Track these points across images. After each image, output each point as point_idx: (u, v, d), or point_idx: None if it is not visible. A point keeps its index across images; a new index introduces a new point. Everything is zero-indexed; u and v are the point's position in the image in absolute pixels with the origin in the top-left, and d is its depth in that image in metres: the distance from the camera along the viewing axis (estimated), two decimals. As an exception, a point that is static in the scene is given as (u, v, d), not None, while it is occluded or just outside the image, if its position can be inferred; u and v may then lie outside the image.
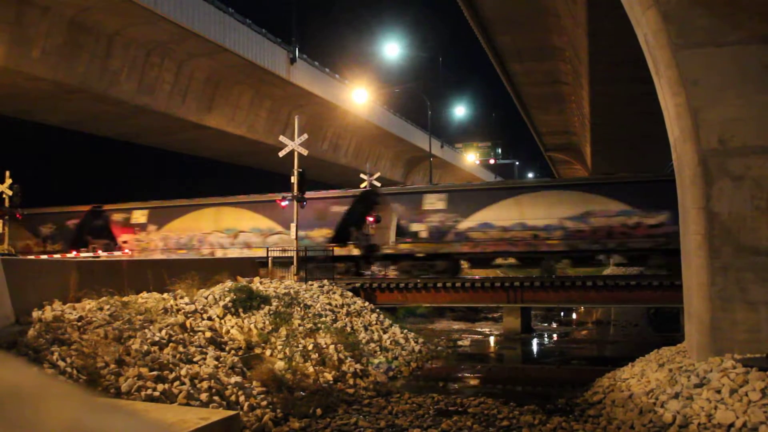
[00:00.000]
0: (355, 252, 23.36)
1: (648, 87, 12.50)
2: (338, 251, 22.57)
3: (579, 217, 21.22)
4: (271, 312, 13.66)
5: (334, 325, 14.64)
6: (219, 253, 25.17)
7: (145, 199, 29.08)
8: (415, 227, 23.11)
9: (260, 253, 22.24)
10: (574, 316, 27.33)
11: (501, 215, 22.07)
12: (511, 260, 23.55)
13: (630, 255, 22.42)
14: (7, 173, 25.25)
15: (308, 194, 20.82)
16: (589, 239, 21.12)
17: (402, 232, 23.37)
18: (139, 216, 27.93)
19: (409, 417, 10.17)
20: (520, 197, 22.27)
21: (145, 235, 27.63)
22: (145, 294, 12.57)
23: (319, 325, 14.21)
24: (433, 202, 22.13)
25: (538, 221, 21.68)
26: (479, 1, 24.60)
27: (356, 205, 24.42)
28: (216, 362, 10.48)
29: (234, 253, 24.86)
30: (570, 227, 21.30)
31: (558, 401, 11.05)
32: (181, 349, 10.47)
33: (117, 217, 28.40)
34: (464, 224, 22.29)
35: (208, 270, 15.06)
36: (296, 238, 20.22)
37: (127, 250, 27.32)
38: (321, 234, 24.19)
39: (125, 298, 11.79)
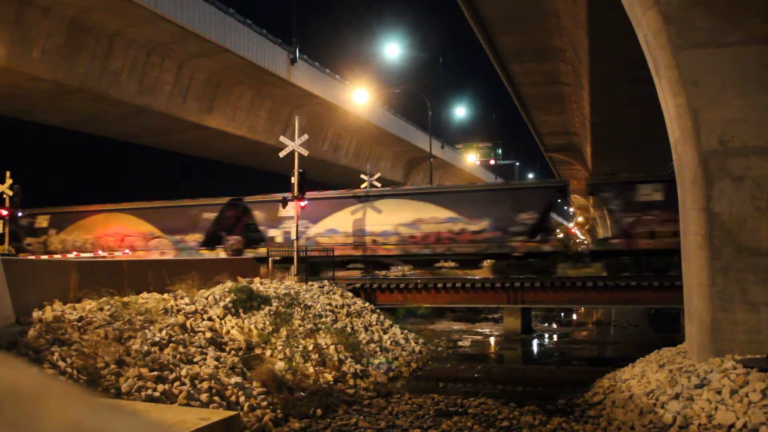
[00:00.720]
0: (223, 255, 24.88)
1: (648, 87, 12.49)
2: (208, 254, 25.08)
3: (411, 224, 22.97)
4: (271, 312, 13.66)
5: (335, 326, 14.65)
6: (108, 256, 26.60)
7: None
8: (271, 233, 25.15)
9: (141, 254, 25.47)
10: (574, 316, 27.33)
11: (345, 222, 23.92)
12: (359, 264, 24.88)
13: (457, 260, 24.08)
14: (8, 173, 25.27)
15: (186, 201, 25.09)
16: (421, 244, 22.83)
17: (262, 238, 25.37)
18: (42, 221, 30.10)
19: (409, 417, 10.17)
20: (365, 205, 23.90)
21: (45, 238, 29.84)
22: (145, 294, 12.58)
23: (319, 325, 14.21)
24: (288, 210, 23.31)
25: (376, 227, 23.43)
26: (479, 1, 24.60)
27: (225, 211, 26.53)
28: (216, 363, 10.48)
29: (120, 256, 26.55)
30: (403, 233, 23.05)
31: (558, 402, 11.05)
32: (181, 349, 10.47)
33: (23, 222, 30.05)
34: (313, 230, 24.16)
35: (208, 270, 15.06)
36: (296, 239, 20.24)
37: (127, 251, 27.38)
38: (194, 238, 26.52)
39: (125, 299, 11.79)
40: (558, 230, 22.09)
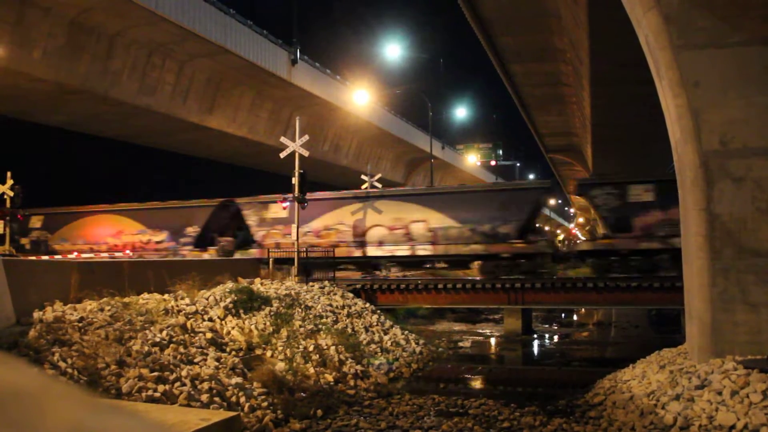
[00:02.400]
0: (207, 256, 25.43)
1: (649, 88, 12.49)
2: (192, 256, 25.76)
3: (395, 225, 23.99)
4: (271, 313, 13.66)
5: (335, 327, 14.64)
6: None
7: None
8: (260, 234, 25.97)
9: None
10: (575, 317, 27.32)
11: (334, 222, 24.75)
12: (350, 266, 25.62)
13: (448, 261, 24.79)
14: (8, 174, 25.28)
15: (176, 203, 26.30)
16: (407, 246, 23.78)
17: (252, 239, 25.97)
18: (36, 221, 30.97)
19: (409, 418, 10.17)
20: (359, 205, 24.65)
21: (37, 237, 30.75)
22: (146, 295, 12.58)
23: (320, 326, 14.21)
24: (278, 212, 24.78)
25: (364, 229, 24.35)
26: (480, 1, 24.59)
27: (217, 213, 27.12)
28: (217, 363, 10.49)
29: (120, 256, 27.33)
30: (389, 234, 24.18)
31: (559, 403, 11.05)
32: (181, 350, 10.48)
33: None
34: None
35: (208, 271, 15.06)
36: (297, 239, 20.24)
37: (127, 251, 27.42)
38: (184, 240, 27.22)
39: (126, 299, 11.80)
40: (545, 231, 21.95)
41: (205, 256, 25.22)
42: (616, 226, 20.82)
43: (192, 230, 26.91)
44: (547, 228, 21.81)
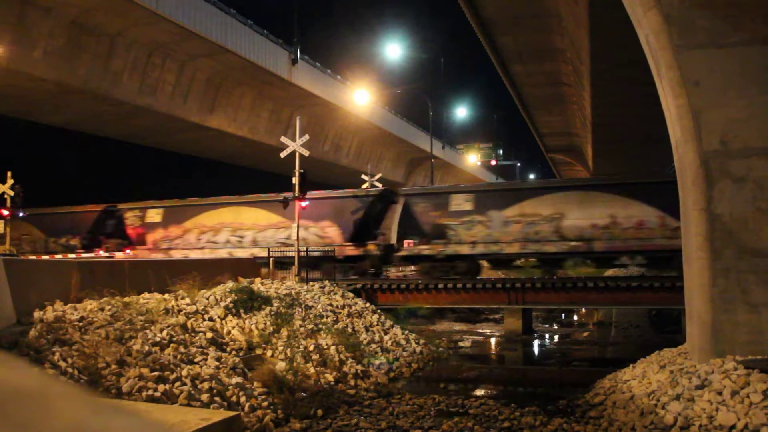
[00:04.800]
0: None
1: (650, 88, 12.49)
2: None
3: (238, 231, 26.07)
4: (272, 313, 13.67)
5: (335, 326, 14.64)
6: None
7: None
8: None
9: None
10: (575, 317, 27.31)
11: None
12: None
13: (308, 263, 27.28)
14: (9, 174, 25.30)
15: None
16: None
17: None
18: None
19: (410, 418, 10.17)
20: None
21: None
22: (146, 294, 12.58)
23: (320, 326, 14.21)
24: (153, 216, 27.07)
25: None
26: (480, 1, 24.59)
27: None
28: (217, 363, 10.49)
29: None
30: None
31: (559, 402, 11.04)
32: (182, 349, 10.48)
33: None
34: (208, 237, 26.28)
35: (209, 271, 15.07)
36: (297, 239, 20.24)
37: (128, 251, 27.43)
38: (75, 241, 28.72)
39: (126, 299, 11.80)
40: (384, 234, 23.04)
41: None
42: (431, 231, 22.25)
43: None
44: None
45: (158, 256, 25.53)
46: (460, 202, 21.82)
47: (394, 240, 22.34)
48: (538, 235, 20.96)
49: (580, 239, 19.86)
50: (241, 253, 24.27)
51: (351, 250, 22.78)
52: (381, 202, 23.54)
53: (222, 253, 24.84)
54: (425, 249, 21.38)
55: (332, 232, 23.71)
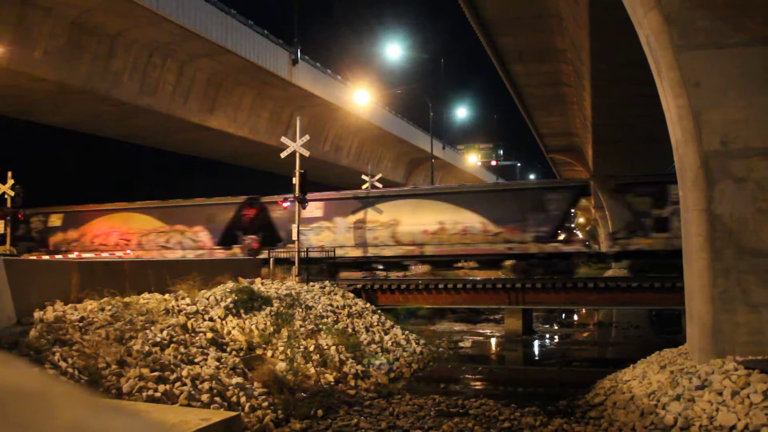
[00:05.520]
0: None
1: (650, 89, 12.48)
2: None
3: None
4: (272, 313, 13.66)
5: (336, 327, 14.65)
6: None
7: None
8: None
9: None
10: (575, 317, 27.31)
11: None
12: None
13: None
14: (9, 174, 25.31)
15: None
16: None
17: None
18: None
19: (410, 418, 10.17)
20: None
21: None
22: (146, 295, 12.58)
23: (320, 326, 14.21)
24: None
25: None
26: (480, 2, 24.58)
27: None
28: (217, 363, 10.49)
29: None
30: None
31: (559, 403, 11.04)
32: (182, 349, 10.48)
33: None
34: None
35: (209, 271, 15.06)
36: (297, 239, 20.25)
37: (128, 251, 27.46)
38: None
39: (127, 299, 11.80)
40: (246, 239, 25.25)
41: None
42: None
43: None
44: None
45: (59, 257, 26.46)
46: (312, 210, 23.13)
47: (257, 245, 24.13)
48: (377, 240, 22.69)
49: (413, 244, 21.08)
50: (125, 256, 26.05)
51: (219, 254, 24.53)
52: (246, 208, 25.37)
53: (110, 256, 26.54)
54: (282, 252, 22.41)
55: (204, 236, 25.82)
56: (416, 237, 21.94)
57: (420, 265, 24.41)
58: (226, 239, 25.15)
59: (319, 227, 23.61)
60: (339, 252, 22.56)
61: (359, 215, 23.25)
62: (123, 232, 27.52)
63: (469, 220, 21.70)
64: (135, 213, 27.90)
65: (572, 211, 21.40)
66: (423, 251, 20.03)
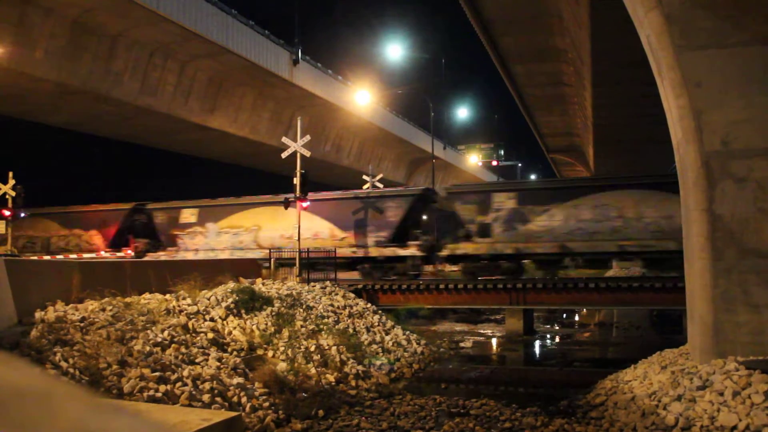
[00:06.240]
0: None
1: (651, 89, 12.49)
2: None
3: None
4: (273, 313, 13.66)
5: (337, 327, 14.64)
6: None
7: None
8: None
9: None
10: (576, 317, 27.30)
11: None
12: None
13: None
14: (10, 174, 25.32)
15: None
16: None
17: None
18: None
19: (411, 418, 10.17)
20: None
21: None
22: (147, 295, 12.58)
23: (321, 326, 14.21)
24: None
25: None
26: (481, 2, 24.60)
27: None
28: (218, 363, 10.49)
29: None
30: None
31: (560, 403, 11.04)
32: (183, 350, 10.48)
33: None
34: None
35: (210, 271, 15.06)
36: (299, 239, 20.25)
37: (129, 251, 27.49)
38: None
39: (128, 299, 11.80)
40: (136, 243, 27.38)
41: None
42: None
43: None
44: None
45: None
46: (188, 216, 26.03)
47: (142, 248, 26.32)
48: (242, 244, 24.85)
49: (272, 248, 22.58)
50: (34, 256, 27.26)
51: (108, 256, 26.10)
52: (132, 215, 27.75)
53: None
54: (163, 255, 24.94)
55: (98, 240, 28.05)
56: (275, 241, 23.81)
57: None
58: (117, 242, 27.23)
59: (194, 232, 25.87)
60: (210, 255, 24.47)
61: (227, 221, 25.49)
62: (30, 236, 29.43)
63: (320, 226, 23.70)
64: (41, 218, 29.74)
65: (410, 217, 22.78)
66: (281, 255, 21.51)
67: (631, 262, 25.04)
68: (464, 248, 21.16)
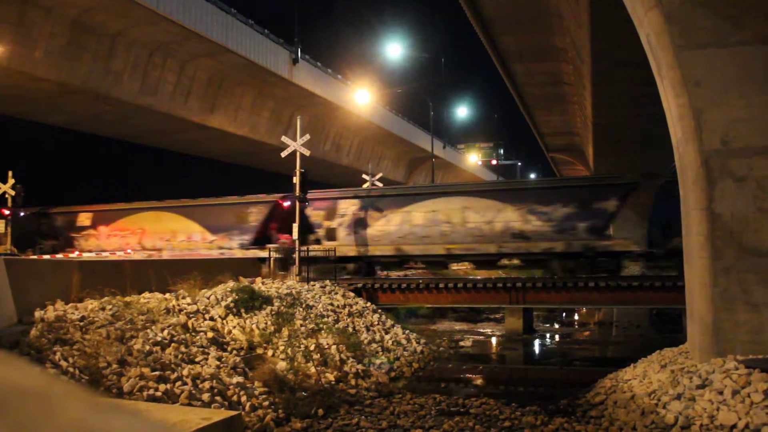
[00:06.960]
0: None
1: (651, 88, 12.48)
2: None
3: None
4: (273, 312, 13.67)
5: (336, 326, 14.65)
6: None
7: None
8: None
9: None
10: (576, 317, 27.31)
11: None
12: None
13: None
14: (10, 173, 25.32)
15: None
16: None
17: None
18: None
19: (410, 417, 10.17)
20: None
21: None
22: (147, 294, 12.59)
23: (321, 325, 14.21)
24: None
25: None
26: (481, 1, 24.58)
27: None
28: (218, 362, 10.49)
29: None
30: None
31: (560, 402, 11.04)
32: (183, 349, 10.48)
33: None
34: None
35: (210, 270, 15.07)
36: (297, 239, 20.26)
37: (129, 251, 27.51)
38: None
39: (127, 298, 11.81)
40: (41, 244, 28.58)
41: None
42: None
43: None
44: None
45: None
46: (83, 220, 28.05)
47: (48, 249, 27.42)
48: (128, 246, 26.51)
49: (153, 249, 24.87)
50: None
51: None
52: (40, 219, 28.92)
53: None
54: (60, 256, 26.07)
55: (7, 240, 28.92)
56: (156, 243, 26.09)
57: None
58: (25, 243, 28.04)
59: (88, 234, 27.85)
60: (102, 256, 26.16)
61: (116, 224, 27.53)
62: None
63: (193, 229, 25.88)
64: None
65: (270, 221, 24.46)
66: (161, 255, 23.17)
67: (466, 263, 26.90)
68: (315, 250, 22.40)
